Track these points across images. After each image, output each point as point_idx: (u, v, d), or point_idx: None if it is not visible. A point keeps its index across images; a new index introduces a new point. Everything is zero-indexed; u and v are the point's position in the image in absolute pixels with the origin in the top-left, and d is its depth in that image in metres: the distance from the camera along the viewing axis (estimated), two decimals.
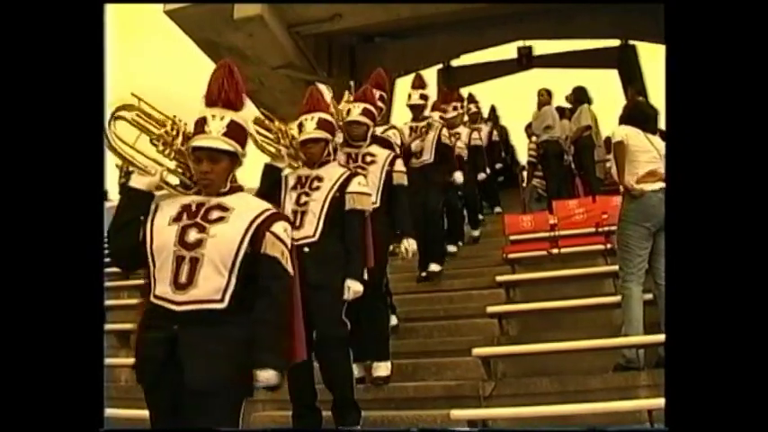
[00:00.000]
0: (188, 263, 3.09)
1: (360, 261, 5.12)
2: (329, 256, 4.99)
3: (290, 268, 3.23)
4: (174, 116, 3.37)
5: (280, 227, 3.25)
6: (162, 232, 3.17)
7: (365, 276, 5.21)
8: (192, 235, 3.13)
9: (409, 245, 6.13)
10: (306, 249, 4.92)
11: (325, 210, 5.05)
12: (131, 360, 6.86)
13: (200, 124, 3.25)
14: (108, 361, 6.76)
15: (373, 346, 5.91)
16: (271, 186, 5.11)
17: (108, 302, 8.46)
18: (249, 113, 3.49)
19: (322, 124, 5.17)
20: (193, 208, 3.23)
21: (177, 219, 3.20)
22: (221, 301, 3.08)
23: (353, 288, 5.02)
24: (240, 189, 3.33)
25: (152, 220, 3.21)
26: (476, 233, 10.25)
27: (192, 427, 2.69)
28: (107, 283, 9.00)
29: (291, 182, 5.18)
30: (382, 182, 5.97)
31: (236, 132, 3.26)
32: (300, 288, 4.93)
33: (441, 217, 8.34)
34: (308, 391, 5.05)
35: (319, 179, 5.16)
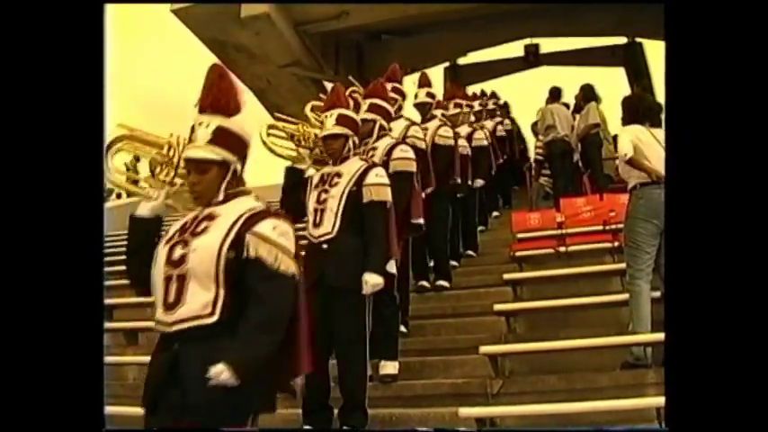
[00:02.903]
0: (175, 281, 2.95)
1: (379, 253, 5.02)
2: (348, 252, 4.97)
3: (286, 268, 2.97)
4: (171, 134, 3.27)
5: (266, 225, 2.99)
6: (159, 254, 3.05)
7: (393, 269, 5.17)
8: (177, 251, 2.98)
9: None
10: (324, 246, 4.97)
11: (342, 205, 5.02)
12: (138, 358, 6.96)
13: (191, 133, 3.10)
14: (115, 359, 6.80)
15: (382, 346, 5.86)
16: (292, 188, 5.22)
17: (114, 301, 8.48)
18: (241, 120, 3.17)
19: (341, 120, 5.15)
20: (188, 224, 3.08)
21: (171, 238, 3.06)
22: (212, 314, 2.91)
23: (371, 282, 4.93)
24: (243, 194, 3.13)
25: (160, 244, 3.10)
26: (470, 252, 9.28)
27: (194, 428, 2.64)
28: (112, 282, 9.03)
29: (315, 181, 5.19)
30: None
31: (225, 139, 3.05)
32: (318, 289, 4.83)
33: (445, 228, 7.89)
34: (322, 389, 5.02)
35: (339, 175, 5.13)
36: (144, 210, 3.17)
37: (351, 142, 5.21)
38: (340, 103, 5.29)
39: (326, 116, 5.19)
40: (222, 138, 3.03)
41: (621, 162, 5.89)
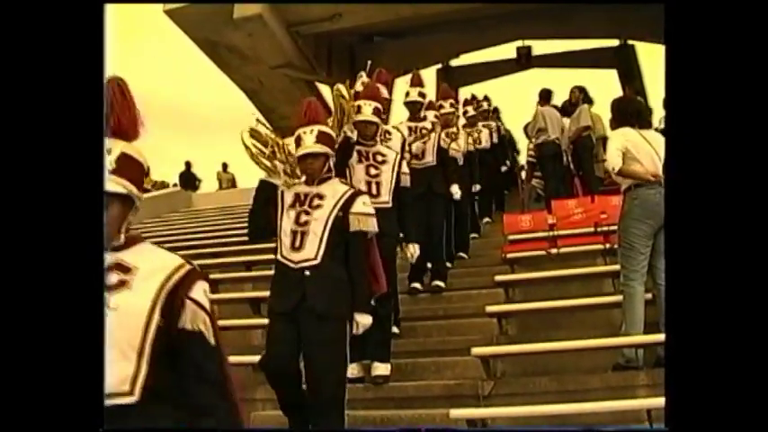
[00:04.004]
0: None
1: (366, 290, 4.84)
2: (333, 280, 4.70)
3: (214, 339, 2.41)
4: None
5: (199, 290, 2.40)
6: None
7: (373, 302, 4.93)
8: None
9: (414, 250, 6.18)
10: (307, 273, 4.66)
11: (327, 230, 4.70)
12: None
13: None
14: None
15: (374, 348, 5.88)
16: (265, 203, 4.89)
17: None
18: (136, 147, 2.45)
19: (322, 138, 4.75)
20: None
21: None
22: (131, 393, 2.27)
23: (362, 322, 4.74)
24: (140, 240, 2.46)
25: None
26: (461, 254, 9.25)
27: (195, 428, 2.56)
28: None
29: (289, 200, 4.83)
30: (394, 182, 6.00)
31: (129, 168, 2.40)
32: (294, 315, 4.62)
33: (443, 230, 8.07)
34: (295, 394, 4.78)
35: (320, 197, 4.78)
36: None
37: (330, 162, 4.88)
38: (319, 119, 4.88)
39: (305, 132, 4.75)
40: (126, 167, 2.39)
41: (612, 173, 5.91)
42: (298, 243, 4.69)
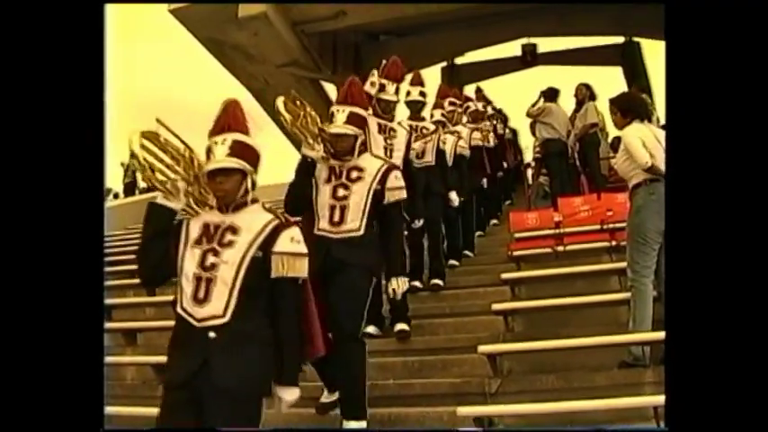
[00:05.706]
0: None
1: (296, 357, 3.66)
2: (247, 344, 3.51)
3: None
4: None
5: None
6: None
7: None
8: None
9: (398, 285, 5.13)
10: (211, 334, 3.45)
11: (240, 277, 3.50)
12: (137, 358, 6.98)
13: None
14: (114, 359, 6.82)
15: (345, 402, 5.05)
16: (158, 236, 3.59)
17: (114, 301, 8.52)
18: None
19: (238, 150, 3.57)
20: None
21: None
22: None
23: (286, 399, 3.59)
24: None
25: None
26: (467, 252, 9.17)
27: (198, 428, 2.58)
28: (113, 282, 9.04)
29: (194, 233, 3.62)
30: (368, 204, 4.97)
31: None
32: (202, 387, 3.44)
33: (440, 229, 8.02)
34: None
35: (233, 230, 3.59)
36: None
37: (249, 181, 3.65)
38: (237, 125, 3.64)
39: (216, 142, 3.56)
40: None
41: (620, 162, 5.87)
42: (202, 294, 3.50)
